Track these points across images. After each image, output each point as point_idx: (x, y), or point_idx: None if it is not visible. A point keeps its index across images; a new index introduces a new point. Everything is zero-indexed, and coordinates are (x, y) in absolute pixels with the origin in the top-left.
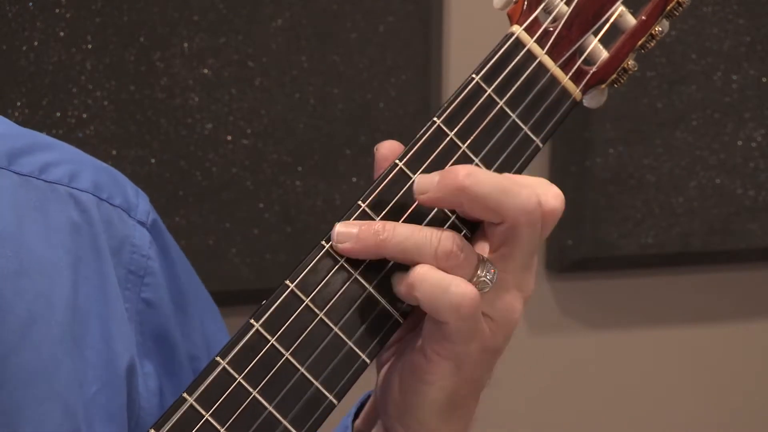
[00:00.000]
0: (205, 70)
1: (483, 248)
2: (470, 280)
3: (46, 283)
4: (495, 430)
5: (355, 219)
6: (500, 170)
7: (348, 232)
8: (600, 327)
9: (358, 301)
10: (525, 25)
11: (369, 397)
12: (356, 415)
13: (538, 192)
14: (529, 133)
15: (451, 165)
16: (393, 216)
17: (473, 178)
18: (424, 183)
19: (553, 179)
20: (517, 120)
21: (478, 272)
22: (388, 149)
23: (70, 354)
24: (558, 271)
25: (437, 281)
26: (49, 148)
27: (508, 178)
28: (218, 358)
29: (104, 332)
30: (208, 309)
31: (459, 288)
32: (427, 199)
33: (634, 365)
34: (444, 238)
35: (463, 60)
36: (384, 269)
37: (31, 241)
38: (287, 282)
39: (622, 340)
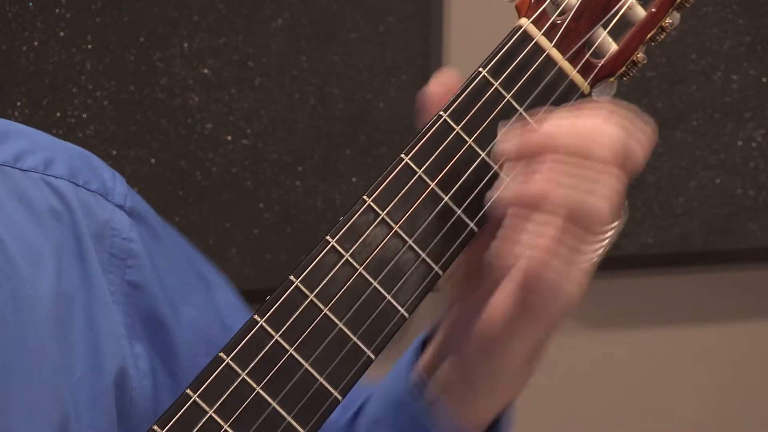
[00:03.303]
0: (205, 70)
1: None
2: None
3: (30, 270)
4: None
5: (359, 215)
6: None
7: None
8: (600, 327)
9: (363, 297)
10: (533, 18)
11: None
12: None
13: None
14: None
15: (457, 160)
16: (399, 207)
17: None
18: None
19: None
20: (524, 114)
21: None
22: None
23: (56, 340)
24: None
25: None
26: (22, 136)
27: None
28: (222, 354)
29: (88, 317)
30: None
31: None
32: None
33: (634, 365)
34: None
35: (463, 60)
36: (388, 264)
37: (12, 230)
38: (292, 277)
39: (622, 340)
